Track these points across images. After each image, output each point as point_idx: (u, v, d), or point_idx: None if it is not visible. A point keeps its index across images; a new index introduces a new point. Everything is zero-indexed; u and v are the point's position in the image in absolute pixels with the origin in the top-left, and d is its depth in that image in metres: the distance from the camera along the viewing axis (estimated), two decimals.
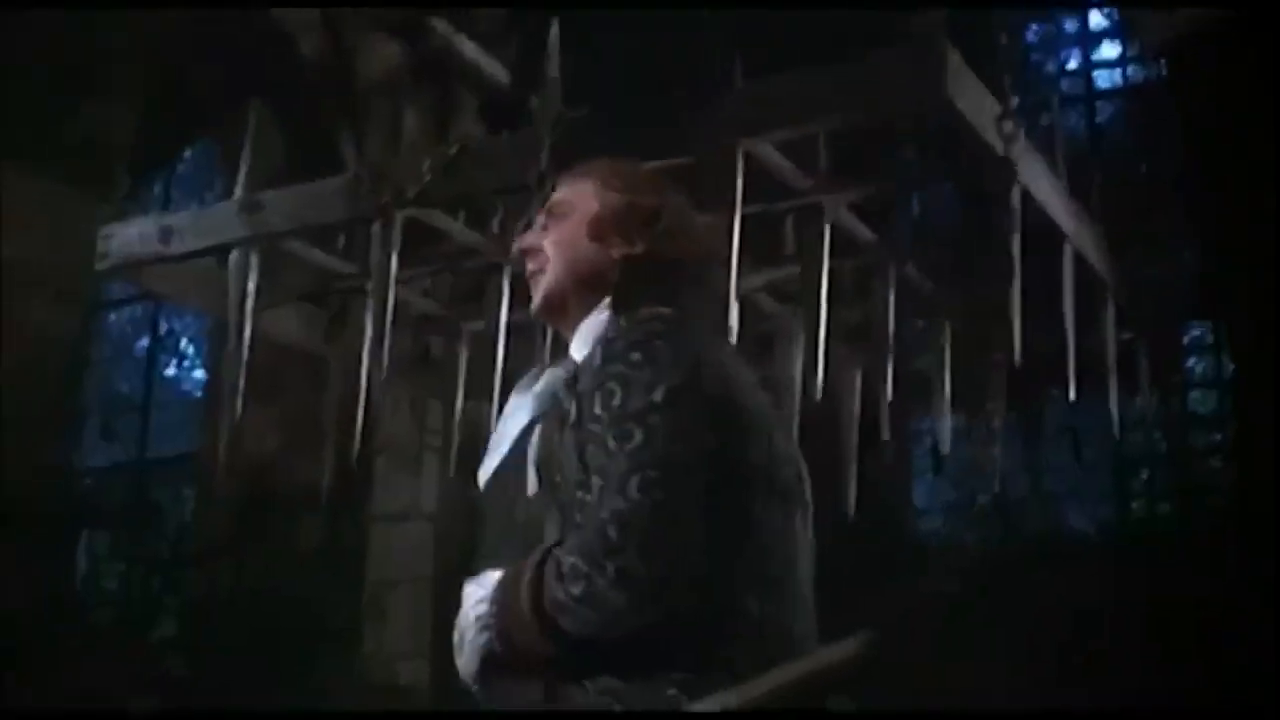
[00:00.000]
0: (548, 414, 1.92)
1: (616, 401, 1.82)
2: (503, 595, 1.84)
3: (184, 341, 8.44)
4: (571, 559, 1.77)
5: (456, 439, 3.97)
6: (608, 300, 2.01)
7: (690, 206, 2.12)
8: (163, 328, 8.20)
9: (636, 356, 1.84)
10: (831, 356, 3.43)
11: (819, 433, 3.72)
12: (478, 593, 1.88)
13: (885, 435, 3.83)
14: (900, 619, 1.61)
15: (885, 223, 3.77)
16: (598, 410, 1.83)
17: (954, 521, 6.41)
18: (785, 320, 3.85)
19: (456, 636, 1.90)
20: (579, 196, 2.08)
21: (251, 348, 3.74)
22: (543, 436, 1.92)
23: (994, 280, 3.28)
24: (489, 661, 1.86)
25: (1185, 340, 6.27)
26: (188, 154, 7.96)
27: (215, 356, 6.87)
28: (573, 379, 1.90)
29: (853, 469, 3.88)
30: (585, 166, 2.12)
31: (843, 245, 3.58)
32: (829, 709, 1.78)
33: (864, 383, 3.97)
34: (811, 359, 3.37)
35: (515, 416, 2.00)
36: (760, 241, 3.53)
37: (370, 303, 3.60)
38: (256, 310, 3.73)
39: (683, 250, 2.05)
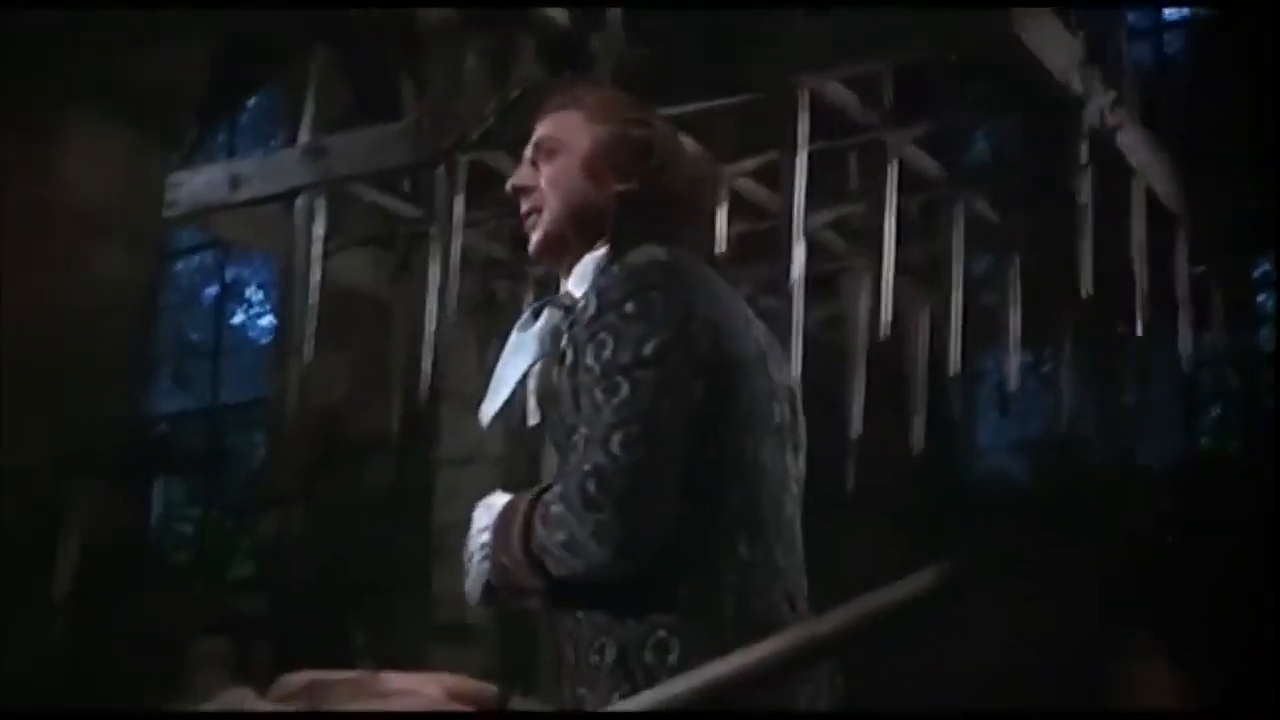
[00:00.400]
0: (548, 355, 1.94)
1: (607, 353, 1.84)
2: (500, 529, 1.89)
3: (251, 289, 8.52)
4: (556, 507, 1.81)
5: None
6: (605, 238, 1.99)
7: (676, 134, 2.08)
8: (230, 275, 8.28)
9: (630, 308, 1.85)
10: (898, 293, 3.42)
11: (885, 370, 3.72)
12: (484, 518, 1.93)
13: (952, 372, 3.81)
14: (966, 556, 1.61)
15: (952, 158, 3.74)
16: (589, 360, 1.84)
17: (1020, 459, 6.38)
18: (851, 258, 3.83)
19: (465, 558, 1.96)
20: (568, 131, 2.03)
21: (319, 293, 3.77)
22: (543, 372, 1.95)
23: (1063, 215, 3.25)
24: (490, 587, 1.92)
25: (1256, 275, 6.18)
26: (251, 103, 8.01)
27: (282, 303, 6.95)
28: (569, 321, 1.91)
29: (919, 406, 3.87)
30: (567, 96, 2.05)
31: (909, 181, 3.55)
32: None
33: (931, 319, 3.95)
34: (877, 296, 3.36)
35: (517, 357, 2.02)
36: (825, 179, 3.51)
37: (436, 247, 3.62)
38: (323, 255, 3.77)
39: (677, 182, 2.02)
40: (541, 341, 1.98)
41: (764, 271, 3.72)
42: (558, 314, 1.97)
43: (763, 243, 3.62)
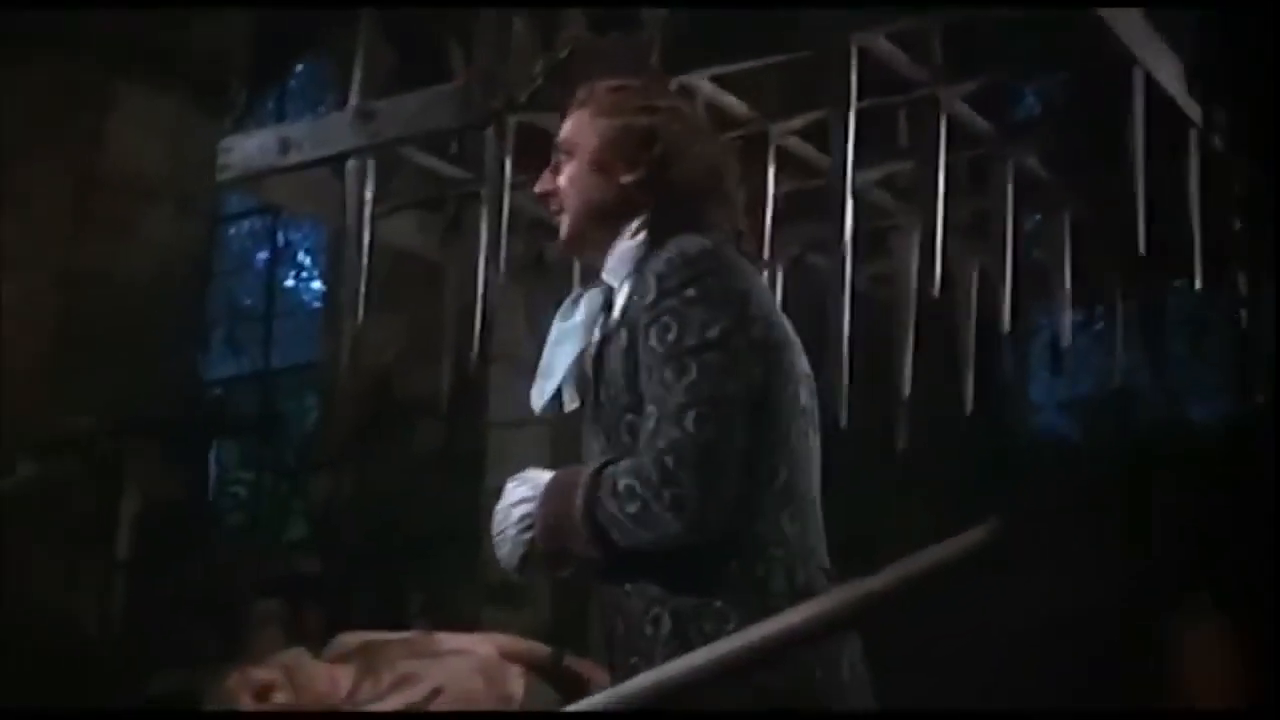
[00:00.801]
0: (592, 341, 2.05)
1: (672, 336, 1.94)
2: (551, 500, 2.00)
3: (301, 253, 8.58)
4: (628, 480, 1.93)
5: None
6: (634, 225, 2.08)
7: (693, 119, 2.17)
8: (280, 240, 8.34)
9: (691, 293, 1.95)
10: (948, 250, 3.40)
11: (935, 328, 3.70)
12: (520, 491, 2.04)
13: (1004, 329, 3.79)
14: (1018, 514, 1.62)
15: (1002, 114, 3.70)
16: (653, 343, 1.95)
17: (1072, 417, 6.34)
18: (901, 215, 3.81)
19: (496, 528, 2.06)
20: (579, 131, 2.13)
21: (369, 256, 3.80)
22: (584, 359, 2.06)
23: (1116, 168, 3.22)
24: (530, 555, 2.04)
25: None
26: (299, 69, 8.04)
27: (333, 267, 6.99)
28: (623, 306, 2.02)
29: (970, 365, 3.86)
30: (582, 93, 2.15)
31: (959, 138, 3.53)
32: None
33: (981, 277, 3.93)
34: (928, 253, 3.35)
35: (563, 345, 2.11)
36: (874, 136, 3.49)
37: (485, 208, 3.63)
38: (373, 218, 3.79)
39: (688, 168, 2.08)
40: (587, 329, 2.08)
41: (813, 230, 3.71)
42: (598, 300, 2.08)
43: (811, 201, 3.60)
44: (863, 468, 4.68)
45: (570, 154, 2.12)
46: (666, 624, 1.96)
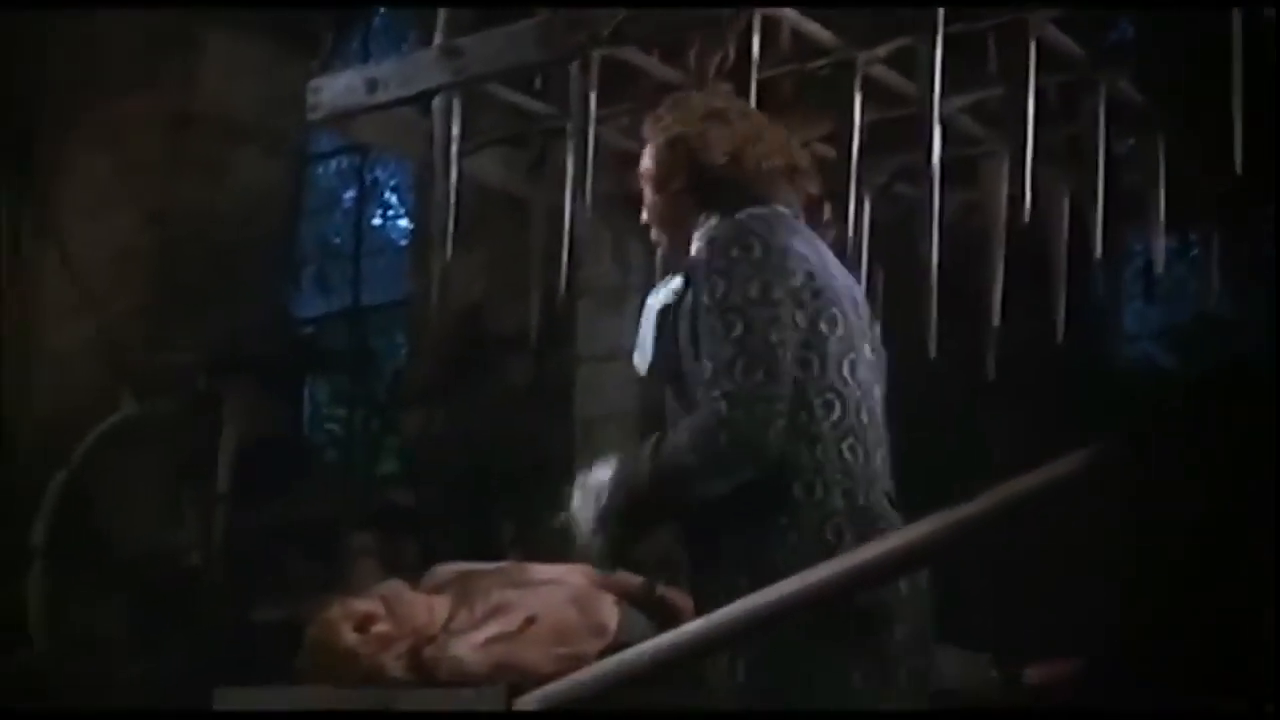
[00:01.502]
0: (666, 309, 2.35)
1: (719, 293, 2.21)
2: (626, 468, 2.30)
3: (388, 192, 8.65)
4: (687, 434, 2.20)
5: (659, 277, 4.01)
6: (705, 213, 2.43)
7: (722, 110, 2.50)
8: (367, 179, 8.41)
9: (735, 253, 2.23)
10: (1039, 177, 3.36)
11: (1026, 257, 3.66)
12: (604, 473, 2.36)
13: (1096, 257, 3.74)
14: (1110, 443, 1.63)
15: (1094, 37, 3.63)
16: (705, 300, 2.23)
17: (1166, 345, 6.25)
18: (990, 142, 3.76)
19: (579, 512, 2.39)
20: (643, 162, 2.53)
21: (457, 192, 3.82)
22: (661, 330, 2.35)
23: (1211, 90, 3.15)
24: (611, 520, 2.33)
25: None
26: (382, 10, 8.07)
27: (420, 205, 7.05)
28: (688, 276, 2.32)
29: (1061, 293, 3.81)
30: (645, 128, 2.56)
31: (1049, 62, 3.47)
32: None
33: (1072, 203, 3.87)
34: (1017, 181, 3.31)
35: (650, 318, 2.40)
36: (961, 62, 3.45)
37: (571, 143, 3.64)
38: (460, 155, 3.81)
39: (720, 157, 2.40)
40: (669, 294, 2.37)
41: (900, 159, 3.68)
42: (680, 279, 2.36)
43: (899, 130, 3.57)
44: (953, 398, 4.67)
45: (645, 183, 2.52)
46: (739, 544, 2.21)
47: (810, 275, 2.27)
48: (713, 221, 2.39)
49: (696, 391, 2.24)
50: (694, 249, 2.40)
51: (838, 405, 2.25)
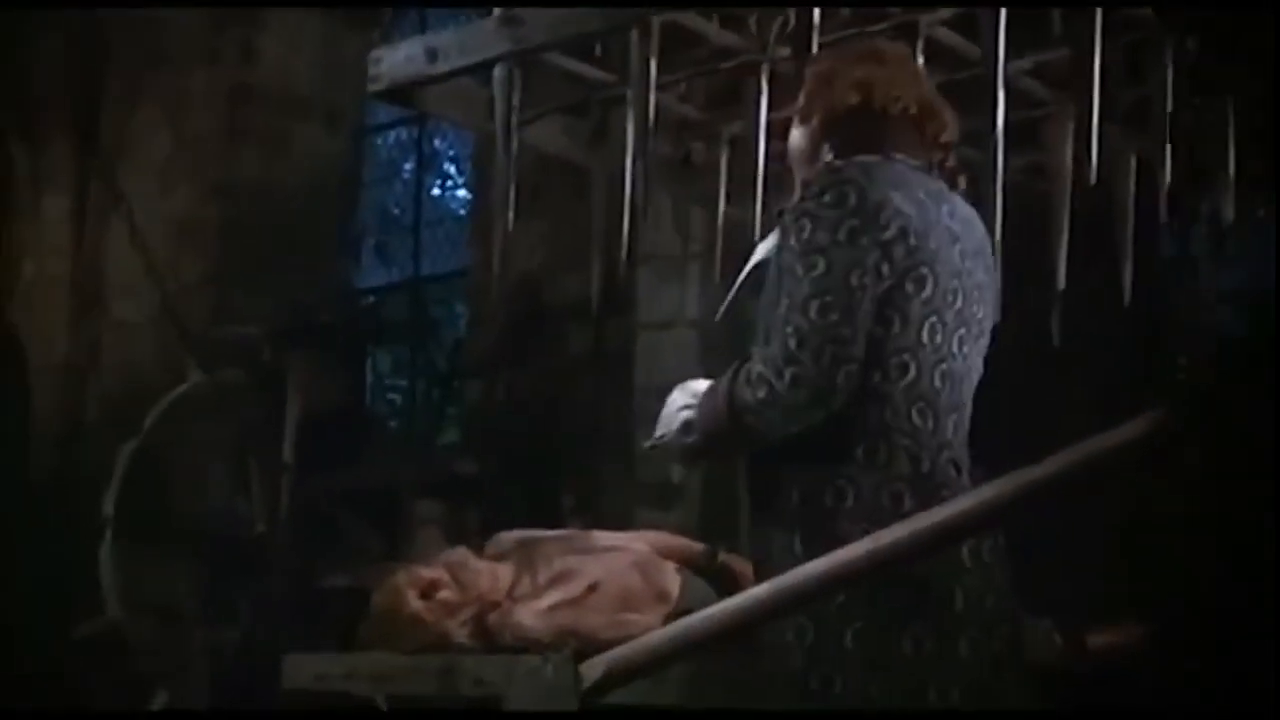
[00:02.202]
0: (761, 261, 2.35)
1: (805, 234, 2.20)
2: (706, 401, 2.27)
3: (446, 162, 8.67)
4: (758, 367, 2.17)
5: (720, 245, 4.00)
6: (827, 152, 2.42)
7: (895, 58, 2.54)
8: (426, 149, 8.43)
9: (828, 198, 2.21)
10: (1105, 139, 3.31)
11: (1092, 219, 3.62)
12: (682, 398, 2.33)
13: (1162, 219, 3.69)
14: (1178, 406, 1.61)
15: None
16: (792, 241, 2.21)
17: (1234, 308, 6.16)
18: (1055, 104, 3.71)
19: (659, 431, 2.36)
20: (794, 102, 2.56)
21: (517, 162, 3.82)
22: (753, 267, 2.36)
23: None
24: (690, 453, 2.33)
25: None
26: None
27: (480, 175, 7.07)
28: (783, 216, 2.31)
29: (1128, 256, 3.76)
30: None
31: (1115, 23, 3.41)
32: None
33: (1139, 165, 3.82)
34: (1083, 142, 3.27)
35: (749, 263, 2.42)
36: (1025, 23, 3.40)
37: (631, 111, 3.62)
38: (520, 124, 3.80)
39: (852, 100, 2.40)
40: (765, 249, 2.37)
41: (964, 122, 3.64)
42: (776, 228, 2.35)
43: (962, 92, 3.53)
44: (1018, 361, 4.62)
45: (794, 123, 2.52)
46: (795, 497, 2.19)
47: (904, 232, 2.23)
48: (824, 164, 2.38)
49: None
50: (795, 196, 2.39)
51: (912, 367, 2.22)
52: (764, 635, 2.22)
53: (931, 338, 2.24)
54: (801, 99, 2.48)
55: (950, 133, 2.50)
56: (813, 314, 2.14)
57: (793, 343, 2.13)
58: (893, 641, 2.13)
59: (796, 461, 2.21)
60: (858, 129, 2.38)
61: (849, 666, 2.14)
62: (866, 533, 2.01)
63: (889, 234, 2.20)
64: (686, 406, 2.32)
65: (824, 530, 2.13)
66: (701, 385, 2.33)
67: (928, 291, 2.23)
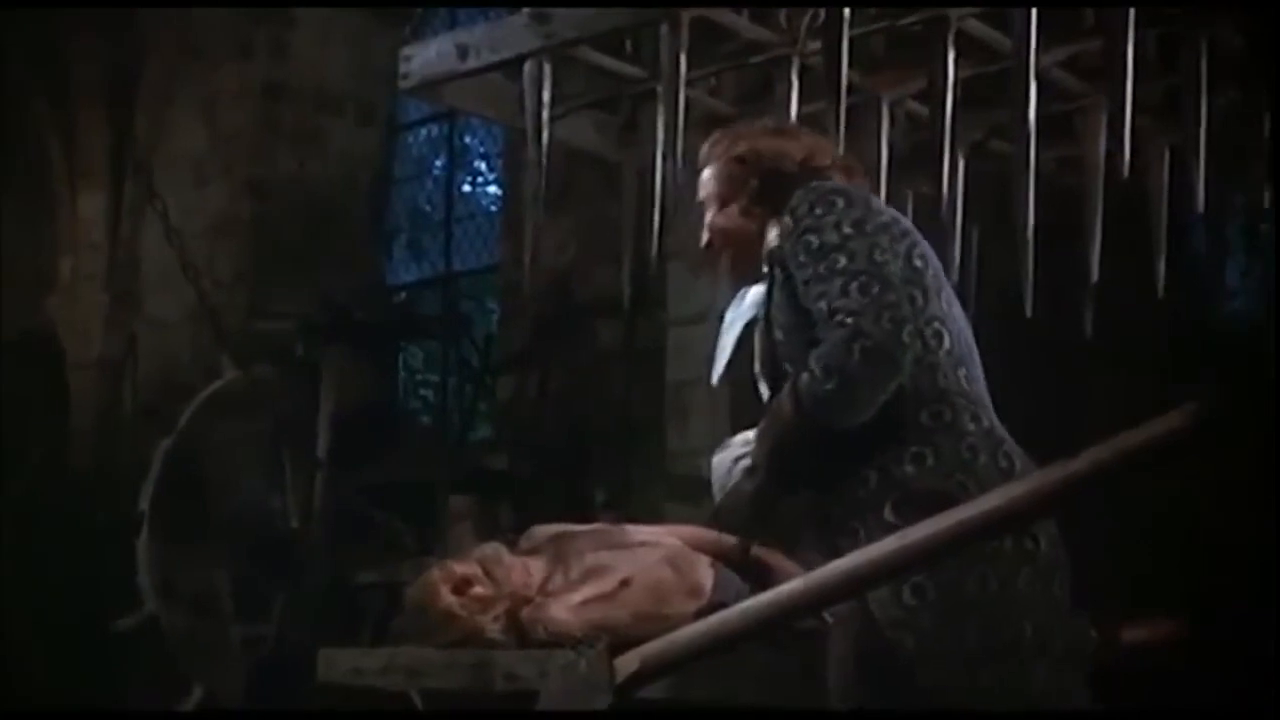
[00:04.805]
0: (754, 319, 2.41)
1: (815, 244, 2.25)
2: (767, 424, 2.31)
3: (477, 159, 8.69)
4: (819, 366, 2.19)
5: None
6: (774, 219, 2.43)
7: (798, 130, 2.63)
8: (456, 146, 8.45)
9: (819, 210, 2.28)
10: (1136, 131, 3.30)
11: (1124, 212, 3.60)
12: (730, 454, 2.43)
13: (1196, 211, 3.67)
14: (1214, 399, 1.60)
15: None
16: (802, 258, 2.26)
17: (1268, 300, 6.11)
18: (1086, 97, 3.69)
19: (718, 483, 2.46)
20: (705, 184, 2.61)
21: (548, 157, 3.83)
22: (748, 333, 2.43)
23: None
24: (760, 498, 2.37)
25: None
26: None
27: (510, 171, 7.09)
28: (774, 254, 2.36)
29: (1162, 249, 3.74)
30: (702, 152, 2.65)
31: (1147, 15, 3.39)
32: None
33: (1172, 157, 3.80)
34: (1117, 136, 3.25)
35: (732, 328, 2.49)
36: (1057, 15, 3.39)
37: (661, 106, 3.63)
38: (551, 119, 3.81)
39: (782, 165, 2.46)
40: (752, 306, 2.44)
41: (995, 115, 3.63)
42: (761, 289, 2.40)
43: (993, 85, 3.52)
44: (1050, 355, 4.61)
45: (707, 207, 2.57)
46: (874, 478, 2.22)
47: (895, 217, 2.35)
48: (785, 216, 2.40)
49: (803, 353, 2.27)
50: (770, 239, 2.43)
51: (946, 335, 2.28)
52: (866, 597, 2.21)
53: (950, 307, 2.33)
54: (715, 185, 2.53)
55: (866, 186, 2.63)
56: (855, 294, 2.19)
57: (850, 324, 2.17)
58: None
59: (864, 447, 2.23)
60: (783, 190, 2.44)
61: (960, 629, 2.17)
62: (961, 486, 2.12)
63: (885, 218, 2.30)
64: (740, 457, 2.40)
65: (912, 495, 2.17)
66: (746, 434, 2.40)
67: (931, 267, 2.32)
